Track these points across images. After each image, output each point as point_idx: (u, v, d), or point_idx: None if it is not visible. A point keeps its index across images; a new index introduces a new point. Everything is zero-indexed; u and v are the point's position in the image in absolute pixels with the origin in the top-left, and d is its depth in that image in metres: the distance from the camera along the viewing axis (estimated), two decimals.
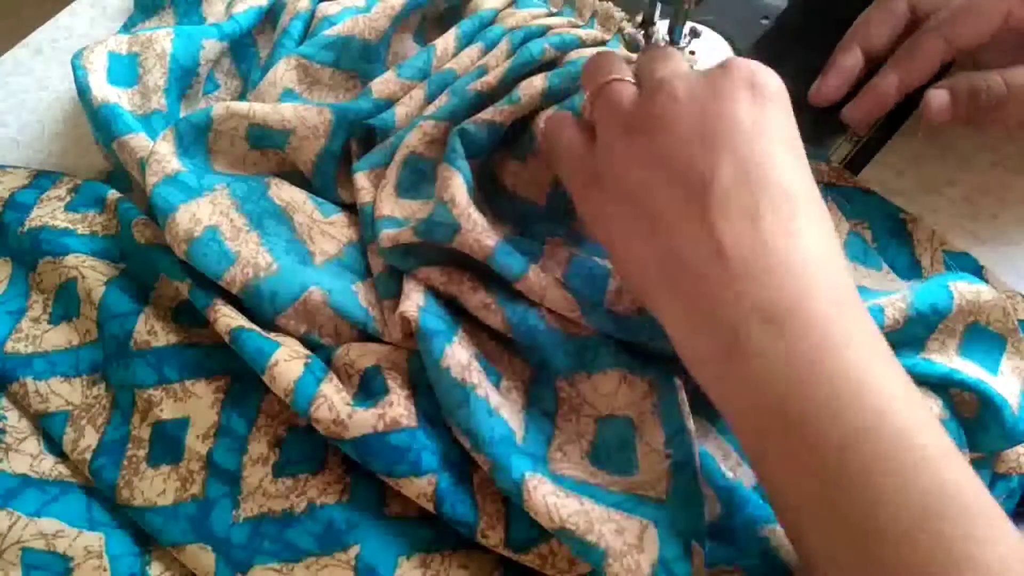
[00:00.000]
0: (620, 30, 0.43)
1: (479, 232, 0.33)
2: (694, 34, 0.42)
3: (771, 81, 0.31)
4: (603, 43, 0.43)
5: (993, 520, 0.24)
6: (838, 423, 0.25)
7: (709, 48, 0.44)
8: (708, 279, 0.28)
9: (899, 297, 0.33)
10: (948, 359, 0.32)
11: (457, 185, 0.34)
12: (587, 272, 0.35)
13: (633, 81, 0.33)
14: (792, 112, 0.31)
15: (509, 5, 0.44)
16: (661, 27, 0.42)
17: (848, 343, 0.26)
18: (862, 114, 0.40)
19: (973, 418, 0.32)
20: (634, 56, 0.42)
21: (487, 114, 0.37)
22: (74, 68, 0.40)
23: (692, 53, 0.43)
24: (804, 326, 0.26)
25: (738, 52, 0.44)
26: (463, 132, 0.36)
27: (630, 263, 0.31)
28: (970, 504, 0.24)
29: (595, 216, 0.33)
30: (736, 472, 0.33)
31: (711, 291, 0.27)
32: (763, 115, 0.29)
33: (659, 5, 0.40)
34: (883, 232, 0.38)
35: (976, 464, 0.33)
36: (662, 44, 0.41)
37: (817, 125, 0.41)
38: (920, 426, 0.25)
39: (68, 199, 0.40)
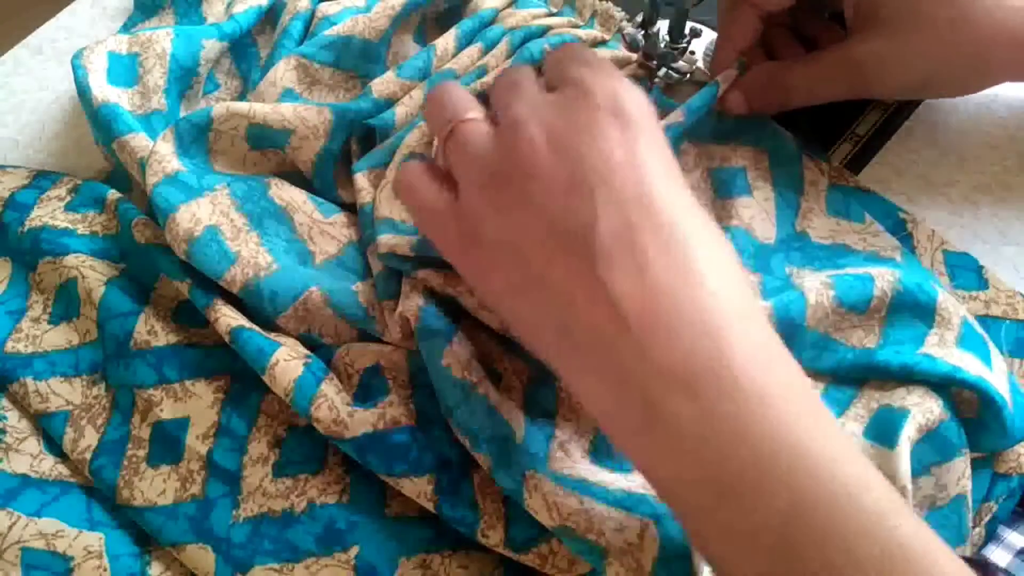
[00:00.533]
0: (620, 30, 0.43)
1: None
2: (694, 34, 0.42)
3: (636, 103, 0.27)
4: (603, 43, 0.43)
5: (940, 566, 0.22)
6: (772, 493, 0.23)
7: (709, 48, 0.44)
8: (610, 344, 0.24)
9: (889, 271, 0.34)
10: (948, 353, 0.32)
11: None
12: None
13: (483, 117, 0.29)
14: (661, 134, 0.27)
15: (509, 5, 0.44)
16: (661, 27, 0.42)
17: (772, 401, 0.23)
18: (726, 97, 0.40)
19: (974, 417, 0.32)
20: (633, 56, 0.42)
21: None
22: (74, 68, 0.40)
23: (692, 53, 0.43)
24: (719, 387, 0.23)
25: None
26: None
27: (525, 328, 0.27)
28: (923, 567, 0.22)
29: (477, 278, 0.28)
30: None
31: (615, 357, 0.24)
32: (635, 146, 0.26)
33: (660, 5, 0.40)
34: None
35: (976, 464, 0.32)
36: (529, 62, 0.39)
37: (817, 125, 0.41)
38: (860, 485, 0.23)
39: (68, 199, 0.40)
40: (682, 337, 0.24)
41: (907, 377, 0.32)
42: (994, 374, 0.32)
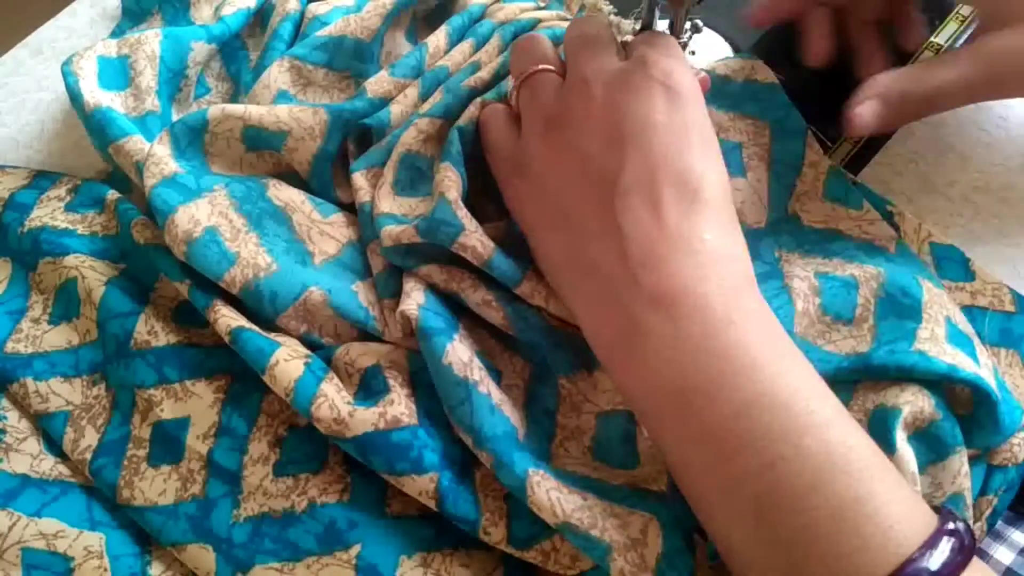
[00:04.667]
0: (610, 24, 0.43)
1: (480, 235, 0.33)
2: (695, 29, 0.41)
3: (685, 80, 0.31)
4: None
5: (886, 479, 0.25)
6: (726, 397, 0.26)
7: (709, 47, 0.44)
8: (610, 269, 0.29)
9: (874, 270, 0.34)
10: (941, 350, 0.32)
11: (457, 185, 0.34)
12: None
13: (556, 69, 0.34)
14: (705, 110, 0.32)
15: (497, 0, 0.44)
16: (660, 27, 0.42)
17: (735, 323, 0.27)
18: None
19: (968, 414, 0.32)
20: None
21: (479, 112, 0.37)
22: (64, 75, 0.39)
23: (692, 53, 0.43)
24: (692, 309, 0.27)
25: (738, 52, 0.44)
26: (461, 131, 0.36)
27: (543, 251, 0.32)
28: (862, 466, 0.25)
29: (516, 204, 0.34)
30: None
31: (612, 280, 0.29)
32: (676, 114, 0.30)
33: (657, 8, 0.40)
34: None
35: (972, 460, 0.32)
36: (599, 23, 0.40)
37: (817, 125, 0.41)
38: (807, 394, 0.26)
39: (68, 199, 0.40)
40: (669, 268, 0.28)
41: (904, 377, 0.32)
42: (982, 370, 0.32)
